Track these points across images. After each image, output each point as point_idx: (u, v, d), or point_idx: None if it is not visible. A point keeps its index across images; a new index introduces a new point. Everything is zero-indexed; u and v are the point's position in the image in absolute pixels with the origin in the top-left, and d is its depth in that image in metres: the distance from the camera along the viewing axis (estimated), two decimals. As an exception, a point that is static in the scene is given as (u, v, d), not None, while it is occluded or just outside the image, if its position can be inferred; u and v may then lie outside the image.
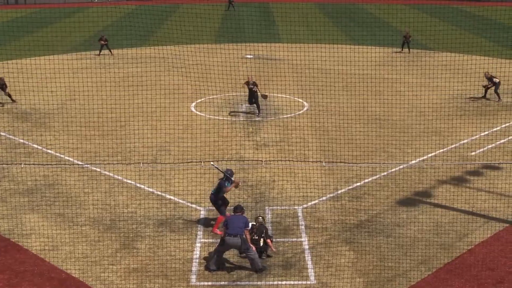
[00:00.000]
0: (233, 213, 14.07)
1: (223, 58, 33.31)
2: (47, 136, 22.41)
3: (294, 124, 23.89)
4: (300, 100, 27.34)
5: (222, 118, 24.80)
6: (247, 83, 25.07)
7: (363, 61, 31.30)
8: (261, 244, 14.03)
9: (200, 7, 54.05)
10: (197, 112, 25.66)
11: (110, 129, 23.06)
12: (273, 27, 51.84)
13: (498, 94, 27.17)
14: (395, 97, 26.68)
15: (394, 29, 49.03)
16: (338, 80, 30.65)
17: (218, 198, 15.13)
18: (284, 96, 27.92)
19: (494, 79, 27.07)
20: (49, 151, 20.90)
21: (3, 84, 27.17)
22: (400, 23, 51.69)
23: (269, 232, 14.73)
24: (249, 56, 37.54)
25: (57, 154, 20.64)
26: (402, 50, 39.97)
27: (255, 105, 25.17)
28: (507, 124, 23.69)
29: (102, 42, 38.68)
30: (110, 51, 39.02)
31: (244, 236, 13.42)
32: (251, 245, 13.62)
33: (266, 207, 16.49)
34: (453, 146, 21.21)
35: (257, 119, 24.70)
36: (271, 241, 14.09)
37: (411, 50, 39.63)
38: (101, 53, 38.92)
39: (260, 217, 14.60)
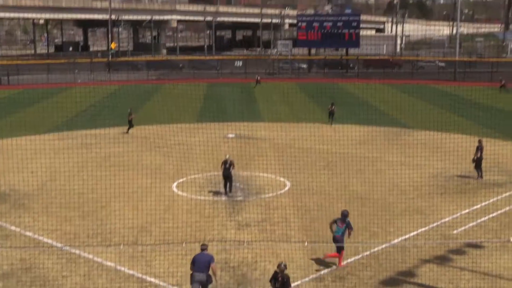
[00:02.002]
0: (200, 251, 15.62)
1: (204, 138, 33.51)
2: (25, 217, 22.14)
3: (276, 203, 23.87)
4: (282, 179, 27.43)
5: (203, 198, 24.73)
6: (225, 162, 25.10)
7: (344, 139, 31.71)
8: None
9: (182, 87, 54.89)
10: (179, 192, 25.59)
11: (91, 209, 22.88)
12: (255, 106, 52.55)
13: (481, 170, 27.45)
14: (376, 176, 26.89)
15: (374, 108, 49.91)
16: (320, 158, 30.90)
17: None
18: (266, 175, 28.01)
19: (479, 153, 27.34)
20: (27, 233, 20.61)
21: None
22: (379, 102, 52.70)
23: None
24: (230, 136, 37.83)
25: (35, 236, 20.35)
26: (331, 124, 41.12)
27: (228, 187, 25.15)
28: (487, 202, 23.85)
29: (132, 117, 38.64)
30: (128, 129, 38.90)
31: (209, 272, 15.22)
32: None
33: (248, 289, 16.25)
34: (435, 224, 21.25)
35: (239, 198, 24.67)
36: None
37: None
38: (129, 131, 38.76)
39: (283, 265, 14.68)
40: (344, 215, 18.01)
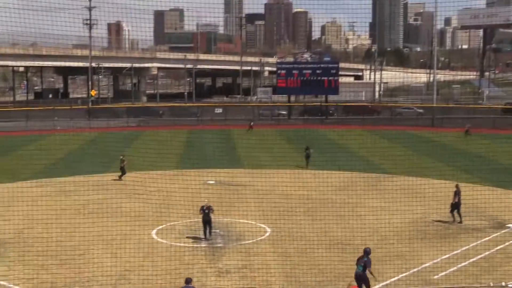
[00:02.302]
0: (185, 284, 16.88)
1: (185, 184, 33.41)
2: (0, 267, 21.75)
3: (257, 250, 23.73)
4: (262, 225, 27.34)
5: (183, 244, 24.54)
6: (203, 207, 25.18)
7: (324, 185, 31.80)
8: None
9: (163, 134, 54.89)
10: (159, 239, 25.37)
11: (68, 257, 22.55)
12: (235, 153, 52.63)
13: (460, 215, 27.59)
14: (357, 221, 26.91)
15: (354, 153, 50.22)
16: (300, 204, 30.89)
17: None
18: (247, 221, 27.90)
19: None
20: (2, 282, 20.23)
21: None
22: (359, 148, 53.05)
23: None
24: (211, 182, 37.78)
25: (10, 285, 19.97)
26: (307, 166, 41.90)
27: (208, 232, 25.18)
28: (467, 247, 23.92)
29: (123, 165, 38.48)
30: (121, 176, 38.64)
31: None
32: None
33: (229, 337, 16.02)
34: (415, 269, 21.23)
35: (219, 245, 24.50)
36: None
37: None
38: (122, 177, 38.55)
39: None
40: (367, 252, 18.60)
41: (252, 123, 73.10)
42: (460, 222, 27.40)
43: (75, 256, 22.70)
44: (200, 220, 25.30)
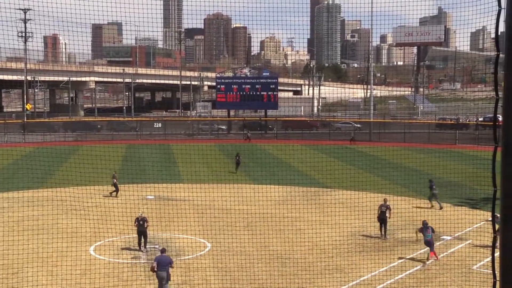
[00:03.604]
0: (160, 254, 20.20)
1: (123, 199, 32.98)
2: None
3: (197, 265, 23.57)
4: (203, 240, 27.20)
5: (122, 261, 24.15)
6: (138, 219, 25.29)
7: (264, 200, 31.91)
8: None
9: (101, 149, 53.99)
10: (97, 256, 24.90)
11: (1, 277, 21.85)
12: (174, 168, 52.30)
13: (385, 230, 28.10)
14: (296, 235, 27.08)
15: (293, 168, 50.64)
16: (240, 219, 30.90)
17: None
18: (186, 236, 27.71)
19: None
20: None
21: None
22: (298, 162, 53.55)
23: None
24: (150, 197, 37.40)
25: None
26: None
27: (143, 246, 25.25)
28: (404, 259, 24.38)
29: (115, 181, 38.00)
30: (116, 193, 38.04)
31: (169, 270, 19.63)
32: None
33: None
34: (354, 282, 21.49)
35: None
36: None
37: None
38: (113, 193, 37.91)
39: None
40: (425, 223, 24.60)
41: (249, 134, 76.22)
42: (385, 237, 27.79)
43: (8, 275, 22.02)
44: (135, 231, 25.38)
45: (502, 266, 5.54)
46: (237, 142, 74.59)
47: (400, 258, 24.55)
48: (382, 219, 27.91)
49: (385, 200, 28.56)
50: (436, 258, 24.23)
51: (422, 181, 39.29)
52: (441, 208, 33.57)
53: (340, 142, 74.54)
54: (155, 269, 19.72)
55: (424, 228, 24.58)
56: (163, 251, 20.45)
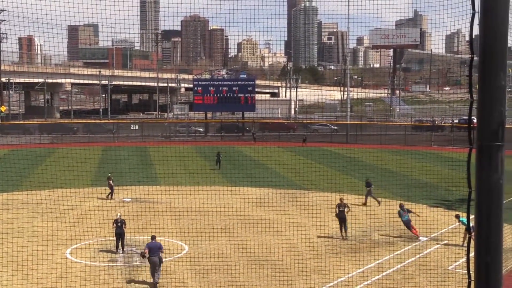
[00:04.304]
0: (151, 240, 21.41)
1: (100, 202, 32.75)
2: None
3: (174, 267, 23.50)
4: (180, 242, 27.13)
5: (99, 264, 23.98)
6: (116, 220, 25.23)
7: (241, 202, 31.91)
8: None
9: (77, 151, 53.65)
10: (73, 259, 24.70)
11: (-24, 280, 21.59)
12: (151, 170, 52.11)
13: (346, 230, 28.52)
14: (274, 237, 27.11)
15: (271, 170, 50.72)
16: (217, 221, 30.91)
17: None
18: (163, 239, 27.61)
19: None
20: None
21: None
22: (276, 164, 53.65)
23: None
24: (127, 200, 37.23)
25: None
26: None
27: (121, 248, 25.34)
28: (381, 260, 24.53)
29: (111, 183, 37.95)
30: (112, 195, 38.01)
31: (160, 255, 20.98)
32: None
33: None
34: (331, 283, 21.58)
35: (136, 263, 24.11)
36: None
37: None
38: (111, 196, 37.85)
39: None
40: (401, 206, 28.08)
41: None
42: (346, 237, 28.06)
43: (-17, 279, 21.76)
44: (113, 232, 25.32)
45: (477, 265, 5.62)
46: (214, 144, 74.54)
47: (377, 259, 24.70)
48: (341, 218, 28.17)
49: (341, 200, 28.95)
50: (417, 235, 27.61)
51: (398, 182, 39.60)
52: (379, 203, 35.26)
53: (317, 144, 74.83)
54: (147, 255, 20.78)
55: (402, 210, 27.73)
56: (153, 237, 21.63)
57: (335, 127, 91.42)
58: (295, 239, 26.73)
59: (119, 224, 25.23)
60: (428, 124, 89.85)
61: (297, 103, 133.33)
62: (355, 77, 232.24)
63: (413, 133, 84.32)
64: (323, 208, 32.58)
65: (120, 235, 25.28)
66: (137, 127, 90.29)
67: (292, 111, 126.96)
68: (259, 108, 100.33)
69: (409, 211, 28.04)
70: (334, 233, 28.53)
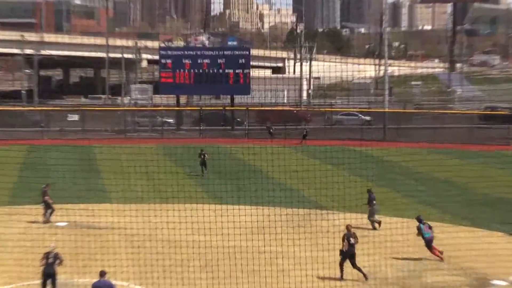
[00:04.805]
0: (99, 279, 22.80)
1: (21, 228, 32.58)
2: None
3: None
4: (139, 287, 26.97)
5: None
6: (48, 254, 24.96)
7: (231, 227, 31.78)
8: None
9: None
10: (-20, 312, 24.50)
11: None
12: (97, 180, 51.94)
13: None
14: (278, 278, 26.94)
15: (273, 180, 50.56)
16: (195, 256, 30.85)
17: None
18: (115, 282, 27.45)
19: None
20: None
21: None
22: (280, 172, 53.47)
23: None
24: (61, 224, 37.16)
25: None
26: None
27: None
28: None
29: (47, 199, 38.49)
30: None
31: None
32: None
33: None
34: None
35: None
36: None
37: None
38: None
39: None
40: (421, 219, 30.64)
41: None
42: (365, 278, 28.07)
43: None
44: (41, 271, 24.96)
45: None
46: (190, 143, 74.33)
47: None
48: (351, 255, 28.31)
49: (348, 228, 29.15)
50: (440, 257, 29.88)
51: (458, 198, 39.51)
52: (378, 225, 36.51)
53: (341, 142, 74.68)
54: None
55: (422, 224, 30.10)
56: (102, 273, 23.10)
57: (367, 118, 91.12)
58: (308, 282, 26.58)
59: (50, 260, 24.83)
60: (504, 113, 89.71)
61: (312, 83, 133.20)
62: (396, 44, 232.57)
63: (482, 125, 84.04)
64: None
65: (50, 276, 24.86)
66: (76, 117, 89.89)
67: (304, 93, 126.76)
68: (255, 90, 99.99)
69: (429, 227, 30.28)
70: (367, 272, 28.36)
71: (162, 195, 42.32)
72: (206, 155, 54.99)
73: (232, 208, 38.70)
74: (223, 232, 32.01)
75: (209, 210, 38.94)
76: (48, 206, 38.33)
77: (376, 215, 36.97)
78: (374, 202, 37.31)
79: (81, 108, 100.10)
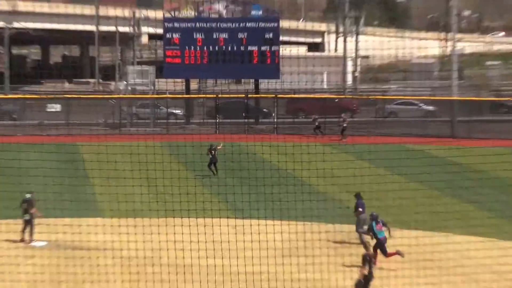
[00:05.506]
0: None
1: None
2: None
3: None
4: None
5: None
6: None
7: (255, 247, 31.80)
8: None
9: None
10: None
11: None
12: (86, 187, 52.10)
13: None
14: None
15: (310, 188, 50.55)
16: (209, 283, 30.83)
17: None
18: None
19: None
20: None
21: None
22: (318, 177, 53.42)
23: None
24: (39, 244, 37.28)
25: None
26: None
27: None
28: None
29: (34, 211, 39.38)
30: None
31: None
32: None
33: None
34: None
35: None
36: None
37: None
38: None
39: None
40: (375, 217, 33.46)
41: (318, 124, 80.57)
42: None
43: None
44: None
45: None
46: (204, 140, 74.37)
47: None
48: (370, 279, 28.61)
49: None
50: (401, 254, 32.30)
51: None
52: (371, 238, 36.11)
53: (397, 138, 74.58)
54: None
55: (374, 223, 32.96)
56: None
57: (430, 108, 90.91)
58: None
59: None
60: None
61: (359, 63, 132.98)
62: (467, 13, 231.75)
63: None
64: (410, 260, 32.35)
65: None
66: (58, 107, 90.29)
67: (349, 77, 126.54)
68: (286, 73, 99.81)
69: (383, 224, 33.20)
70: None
71: (167, 206, 42.41)
72: (216, 151, 57.41)
73: (257, 223, 38.68)
74: (245, 255, 31.99)
75: (227, 226, 38.95)
76: (28, 222, 38.49)
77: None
78: (360, 209, 38.41)
79: (64, 96, 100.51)
